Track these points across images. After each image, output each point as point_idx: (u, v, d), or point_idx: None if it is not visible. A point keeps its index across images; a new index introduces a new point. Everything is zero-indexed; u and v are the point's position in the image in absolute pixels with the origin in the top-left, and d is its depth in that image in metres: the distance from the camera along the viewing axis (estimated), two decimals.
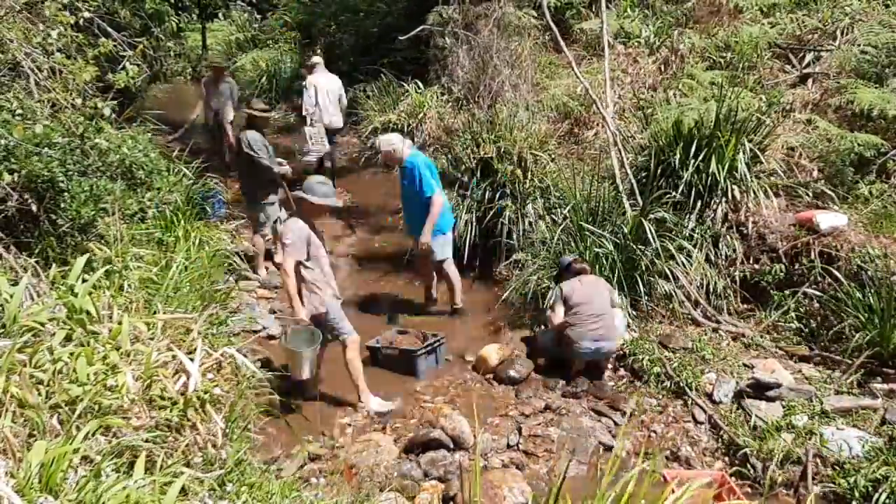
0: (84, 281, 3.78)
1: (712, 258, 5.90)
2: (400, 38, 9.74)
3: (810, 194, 6.08)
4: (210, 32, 16.74)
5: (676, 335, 5.50)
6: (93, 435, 2.85)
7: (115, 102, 4.91)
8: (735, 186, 5.96)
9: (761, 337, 5.44)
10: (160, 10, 9.25)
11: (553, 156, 7.43)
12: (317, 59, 9.54)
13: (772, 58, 8.06)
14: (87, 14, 4.90)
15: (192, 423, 3.29)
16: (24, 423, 2.78)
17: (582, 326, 5.17)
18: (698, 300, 5.72)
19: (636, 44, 9.07)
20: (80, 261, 3.92)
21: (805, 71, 7.84)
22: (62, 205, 4.61)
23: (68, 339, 3.36)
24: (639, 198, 6.17)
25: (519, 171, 6.95)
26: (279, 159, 7.04)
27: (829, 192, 6.03)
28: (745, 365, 5.13)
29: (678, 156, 6.11)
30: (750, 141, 6.08)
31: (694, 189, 5.98)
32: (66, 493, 2.45)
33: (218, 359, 3.82)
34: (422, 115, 9.81)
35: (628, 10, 9.86)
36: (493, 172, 7.02)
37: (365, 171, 10.32)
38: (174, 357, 3.47)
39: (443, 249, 6.13)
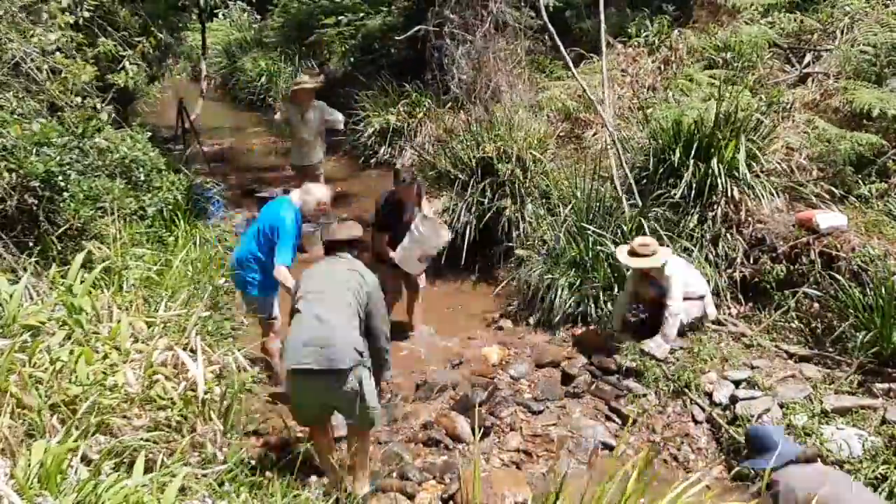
0: (83, 280, 3.78)
1: (712, 258, 5.89)
2: (398, 37, 9.74)
3: (810, 194, 6.08)
4: (210, 32, 16.75)
5: None
6: (92, 435, 2.85)
7: (111, 108, 4.92)
8: (735, 186, 5.96)
9: (761, 337, 5.43)
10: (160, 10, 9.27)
11: (553, 156, 7.43)
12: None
13: (771, 57, 8.05)
14: (86, 14, 4.90)
15: (192, 424, 3.29)
16: (23, 422, 2.78)
17: None
18: None
19: (635, 44, 9.08)
20: (78, 260, 3.92)
21: (805, 71, 7.84)
22: (61, 204, 4.62)
23: (68, 338, 3.36)
24: (638, 198, 6.17)
25: (519, 171, 6.95)
26: None
27: (829, 192, 6.02)
28: (745, 364, 5.13)
29: (678, 155, 6.10)
30: (750, 141, 6.07)
31: (694, 189, 5.98)
32: (65, 492, 2.44)
33: (217, 359, 3.82)
34: (421, 115, 9.82)
35: (627, 9, 9.88)
36: (492, 172, 7.02)
37: (364, 172, 10.32)
38: (174, 356, 3.47)
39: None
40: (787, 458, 3.33)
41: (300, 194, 5.06)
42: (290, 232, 4.80)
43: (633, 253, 5.18)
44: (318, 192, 5.11)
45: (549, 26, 7.04)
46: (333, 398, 3.80)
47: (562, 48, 7.05)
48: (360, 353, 3.76)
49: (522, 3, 9.16)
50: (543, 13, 7.19)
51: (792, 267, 5.62)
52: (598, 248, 5.87)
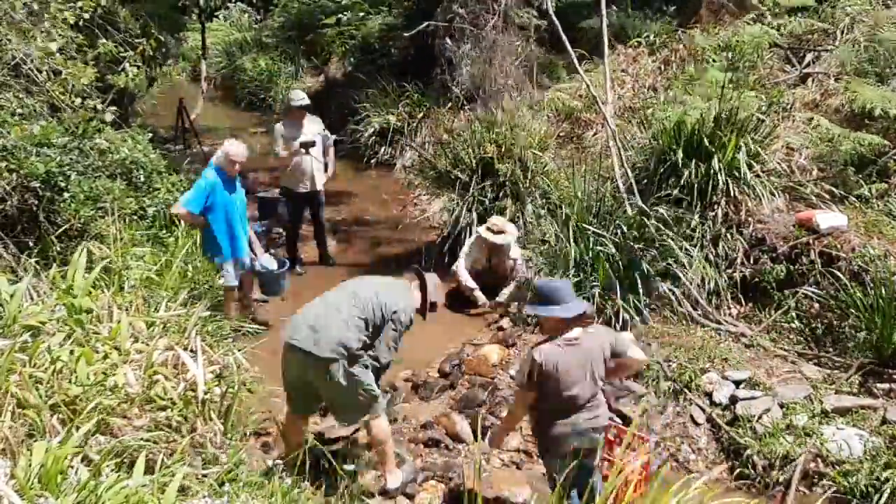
0: (83, 280, 3.78)
1: (712, 258, 5.89)
2: (406, 34, 9.73)
3: (810, 194, 6.07)
4: (210, 32, 16.77)
5: (675, 335, 5.49)
6: (93, 435, 2.85)
7: (115, 108, 4.92)
8: (735, 186, 5.96)
9: (761, 337, 5.43)
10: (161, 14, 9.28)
11: (553, 156, 7.43)
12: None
13: (772, 57, 8.05)
14: (86, 15, 4.90)
15: (192, 424, 3.29)
16: (23, 423, 2.78)
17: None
18: (698, 300, 5.72)
19: (636, 44, 9.08)
20: (79, 261, 3.92)
21: (805, 71, 7.84)
22: (61, 205, 4.63)
23: (68, 338, 3.36)
24: (638, 198, 6.17)
25: (519, 171, 6.95)
26: None
27: (830, 192, 6.02)
28: (745, 364, 5.12)
29: (679, 155, 6.10)
30: (751, 140, 6.07)
31: (694, 189, 5.98)
32: (66, 492, 2.44)
33: (217, 359, 3.82)
34: (421, 115, 9.82)
35: (629, 9, 9.89)
36: (493, 172, 7.02)
37: (364, 172, 10.32)
38: (174, 356, 3.47)
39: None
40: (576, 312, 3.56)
41: (219, 150, 5.52)
42: (198, 182, 5.37)
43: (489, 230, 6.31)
44: (229, 146, 5.43)
45: (556, 22, 7.04)
46: (315, 379, 3.86)
47: (568, 46, 7.03)
48: (346, 350, 3.79)
49: (526, 2, 9.17)
50: (551, 12, 7.18)
51: (792, 267, 5.62)
52: (598, 248, 5.87)
